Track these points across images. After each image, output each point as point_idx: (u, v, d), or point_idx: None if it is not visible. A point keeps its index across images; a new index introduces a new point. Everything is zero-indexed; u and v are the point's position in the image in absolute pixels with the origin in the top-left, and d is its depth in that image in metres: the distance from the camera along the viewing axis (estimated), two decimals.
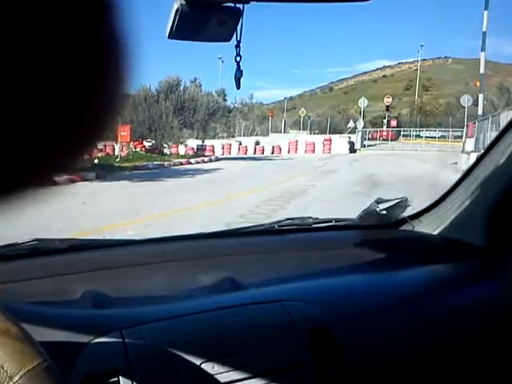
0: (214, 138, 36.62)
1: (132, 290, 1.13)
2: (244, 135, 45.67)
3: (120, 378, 0.76)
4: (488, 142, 22.66)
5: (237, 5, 0.92)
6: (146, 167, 21.47)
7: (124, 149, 25.23)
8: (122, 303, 0.99)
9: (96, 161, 21.37)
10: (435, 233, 1.49)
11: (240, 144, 36.30)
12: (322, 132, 46.74)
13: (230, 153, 33.89)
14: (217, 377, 0.82)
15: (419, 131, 43.99)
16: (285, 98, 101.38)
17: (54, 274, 1.11)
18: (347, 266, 1.36)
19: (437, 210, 1.53)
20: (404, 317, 1.11)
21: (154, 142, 27.10)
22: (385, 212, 1.55)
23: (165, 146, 27.88)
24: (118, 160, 22.96)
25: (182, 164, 24.22)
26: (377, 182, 14.01)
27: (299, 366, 0.89)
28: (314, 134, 45.09)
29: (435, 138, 40.53)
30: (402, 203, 1.58)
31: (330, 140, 34.45)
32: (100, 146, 29.26)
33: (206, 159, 27.66)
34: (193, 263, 1.28)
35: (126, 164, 21.87)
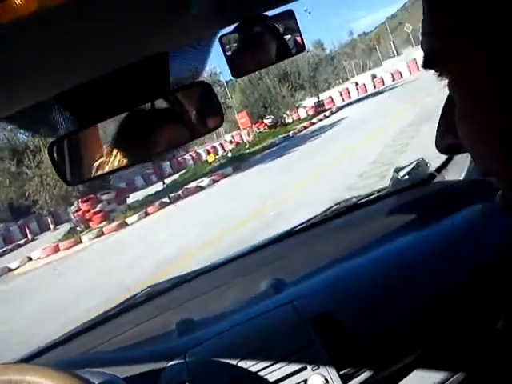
0: (328, 88, 36.05)
1: (206, 311, 1.39)
2: (357, 74, 43.99)
3: None
4: None
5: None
6: (273, 144, 22.08)
7: (249, 134, 26.32)
8: (196, 326, 1.31)
9: (229, 154, 22.76)
10: (461, 178, 1.49)
11: (356, 84, 35.06)
12: None
13: (349, 97, 33.00)
14: (251, 368, 1.11)
15: None
16: (386, 19, 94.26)
17: (160, 312, 1.45)
18: (381, 237, 1.39)
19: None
20: (419, 287, 1.17)
21: (272, 117, 27.70)
22: (407, 176, 1.61)
23: (284, 116, 28.36)
24: (247, 147, 24.02)
25: (305, 128, 24.45)
26: None
27: (310, 346, 1.12)
28: None
29: None
30: (421, 163, 1.63)
31: None
32: (228, 138, 31.01)
33: (327, 113, 27.52)
34: (253, 275, 1.50)
35: (255, 148, 22.78)
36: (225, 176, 17.44)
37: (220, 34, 0.99)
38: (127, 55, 0.77)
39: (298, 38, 1.04)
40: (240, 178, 15.91)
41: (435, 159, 1.58)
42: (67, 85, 0.71)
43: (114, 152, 0.92)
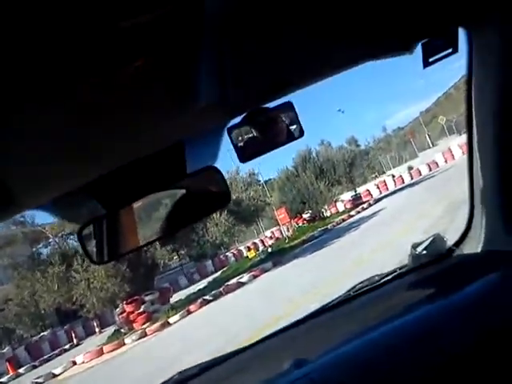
0: (365, 182, 36.52)
1: None
2: (394, 166, 44.53)
3: None
4: None
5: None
6: (312, 237, 22.17)
7: (289, 229, 26.56)
8: None
9: (269, 250, 22.88)
10: (479, 250, 1.50)
11: (393, 176, 35.47)
12: None
13: (387, 189, 33.21)
14: None
15: None
16: (420, 113, 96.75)
17: None
18: (400, 311, 1.37)
19: (473, 227, 1.54)
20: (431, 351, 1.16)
21: (310, 211, 28.13)
22: (425, 252, 1.64)
23: (322, 210, 28.73)
24: (287, 241, 24.16)
25: (344, 220, 24.48)
26: None
27: None
28: (464, 133, 41.79)
29: None
30: (437, 238, 1.66)
31: None
32: (268, 234, 31.28)
33: (365, 205, 27.62)
34: (278, 355, 1.49)
35: (294, 242, 22.87)
36: (265, 271, 17.44)
37: (228, 125, 1.10)
38: (147, 146, 0.89)
39: (298, 125, 1.16)
40: (280, 273, 15.88)
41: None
42: (94, 175, 0.81)
43: (139, 232, 1.08)
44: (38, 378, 14.69)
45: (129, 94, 0.72)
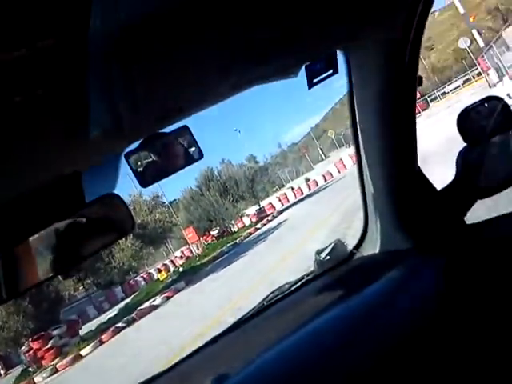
0: (267, 196, 37.56)
1: None
2: (292, 179, 46.54)
3: None
4: (504, 65, 22.01)
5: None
6: (222, 253, 22.45)
7: (198, 247, 26.61)
8: None
9: (181, 269, 22.75)
10: (377, 251, 1.58)
11: (292, 189, 36.95)
12: None
13: (288, 201, 34.39)
14: None
15: (442, 89, 43.15)
16: (311, 128, 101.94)
17: None
18: (311, 316, 1.38)
19: (369, 230, 1.62)
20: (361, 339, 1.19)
21: (218, 228, 28.52)
22: (328, 257, 1.71)
23: (229, 226, 29.22)
24: (198, 259, 24.24)
25: (251, 234, 25.09)
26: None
27: None
28: (352, 144, 44.88)
29: (459, 86, 39.78)
30: (338, 243, 1.75)
31: None
32: (178, 254, 30.91)
33: (269, 218, 28.52)
34: (199, 375, 1.45)
35: (205, 259, 22.98)
36: (178, 291, 17.38)
37: (126, 151, 1.07)
38: (42, 178, 0.84)
39: (196, 148, 1.16)
40: (193, 291, 15.93)
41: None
42: None
43: (38, 267, 1.00)
44: None
45: (19, 125, 0.71)
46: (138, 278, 28.60)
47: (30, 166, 0.73)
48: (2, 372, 19.18)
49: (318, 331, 1.28)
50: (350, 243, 1.74)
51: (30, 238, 0.95)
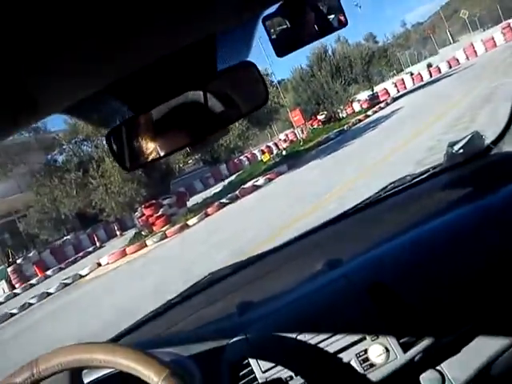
0: (382, 81, 35.38)
1: (265, 292, 1.43)
2: (412, 64, 42.74)
3: (249, 359, 1.15)
4: None
5: None
6: (328, 139, 21.89)
7: (303, 131, 26.25)
8: (255, 307, 1.36)
9: (284, 152, 22.77)
10: None
11: (412, 74, 34.32)
12: (496, 23, 40.63)
13: (405, 87, 32.31)
14: (310, 341, 1.14)
15: None
16: (440, 7, 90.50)
17: (220, 296, 1.52)
18: (435, 211, 1.35)
19: None
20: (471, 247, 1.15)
21: (326, 112, 27.56)
22: (461, 151, 1.56)
23: (338, 111, 28.10)
24: (301, 143, 23.95)
25: (360, 120, 24.07)
26: None
27: (367, 316, 1.13)
28: (488, 28, 39.59)
29: None
30: (475, 135, 1.58)
31: (509, 25, 29.80)
32: (282, 137, 31.11)
33: (382, 105, 27.00)
34: (308, 257, 1.52)
35: (309, 144, 22.62)
36: (280, 174, 17.46)
37: (263, 15, 0.99)
38: (175, 41, 0.78)
39: (340, 14, 1.05)
40: (295, 175, 15.85)
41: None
42: (117, 75, 0.73)
43: (169, 136, 0.95)
44: (65, 278, 15.44)
45: None
46: (242, 157, 29.48)
47: (162, 28, 0.65)
48: (119, 233, 21.67)
49: (441, 228, 1.22)
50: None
51: (156, 108, 0.91)
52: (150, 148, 0.96)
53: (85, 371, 1.04)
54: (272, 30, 1.02)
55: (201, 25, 0.82)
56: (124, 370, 0.92)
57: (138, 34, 0.62)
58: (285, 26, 1.02)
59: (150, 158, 0.96)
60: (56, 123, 20.80)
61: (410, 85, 32.48)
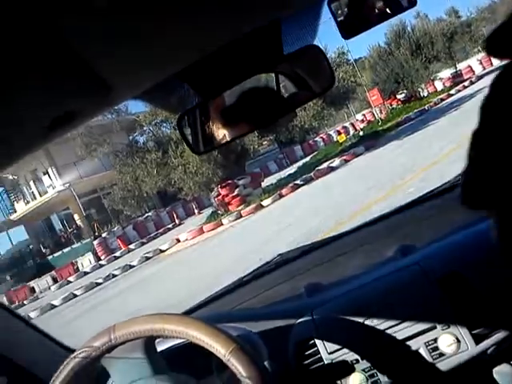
0: (466, 58, 33.16)
1: (333, 275, 1.44)
2: None
3: (315, 340, 1.17)
4: None
5: None
6: (408, 119, 21.07)
7: (382, 110, 25.40)
8: (323, 289, 1.38)
9: (361, 133, 22.21)
10: None
11: None
12: None
13: (491, 65, 29.88)
14: (378, 327, 1.13)
15: None
16: None
17: (289, 277, 1.55)
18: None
19: None
20: None
21: (405, 91, 26.40)
22: None
23: (418, 90, 26.86)
24: (380, 124, 23.20)
25: (443, 100, 22.90)
26: None
27: (438, 304, 1.11)
28: None
29: None
30: None
31: None
32: (359, 117, 30.29)
33: (466, 83, 25.47)
34: (380, 242, 1.52)
35: (388, 125, 21.91)
36: (357, 155, 17.08)
37: None
38: (240, 27, 0.80)
39: None
40: (373, 156, 15.42)
41: None
42: (186, 61, 0.75)
43: (239, 119, 0.98)
44: (147, 252, 16.33)
45: None
46: (317, 138, 29.13)
47: (229, 13, 0.65)
48: (196, 211, 22.43)
49: None
50: None
51: (226, 93, 0.94)
52: (220, 132, 0.99)
53: (158, 340, 1.11)
54: (339, 12, 1.00)
55: (265, 10, 0.82)
56: (194, 341, 0.97)
57: (204, 22, 0.65)
58: (351, 8, 1.00)
59: (221, 141, 1.00)
60: (136, 105, 21.78)
61: (496, 62, 30.05)
